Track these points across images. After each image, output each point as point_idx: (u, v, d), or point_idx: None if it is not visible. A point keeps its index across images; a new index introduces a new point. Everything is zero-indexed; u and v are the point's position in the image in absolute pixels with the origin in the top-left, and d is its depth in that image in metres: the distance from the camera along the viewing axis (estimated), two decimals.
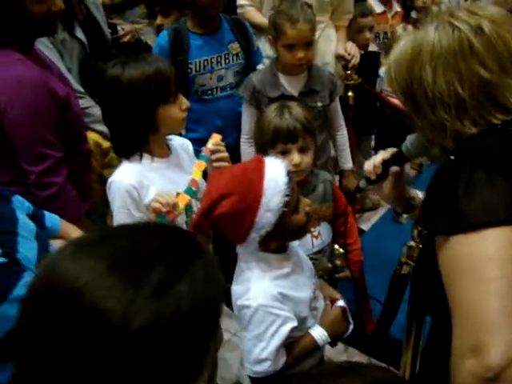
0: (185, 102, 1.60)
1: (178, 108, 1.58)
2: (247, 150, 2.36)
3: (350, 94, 2.81)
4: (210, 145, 1.63)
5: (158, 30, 2.63)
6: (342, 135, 2.49)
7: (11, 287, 1.10)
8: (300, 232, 1.42)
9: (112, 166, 2.17)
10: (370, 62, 3.09)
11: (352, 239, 1.95)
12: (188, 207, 1.68)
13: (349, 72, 2.79)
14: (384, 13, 3.53)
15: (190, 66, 2.29)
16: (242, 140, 2.38)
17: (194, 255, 0.74)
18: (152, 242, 0.74)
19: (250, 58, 2.44)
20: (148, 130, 1.57)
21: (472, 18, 1.07)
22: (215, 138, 1.65)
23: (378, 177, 1.43)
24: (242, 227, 1.31)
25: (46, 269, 0.71)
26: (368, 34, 3.12)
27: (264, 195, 1.28)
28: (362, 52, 2.94)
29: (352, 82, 2.81)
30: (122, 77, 1.51)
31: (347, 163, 2.53)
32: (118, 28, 2.56)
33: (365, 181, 1.48)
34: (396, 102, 3.35)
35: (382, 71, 3.30)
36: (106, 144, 2.16)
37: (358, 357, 2.35)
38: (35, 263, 1.22)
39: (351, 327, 1.53)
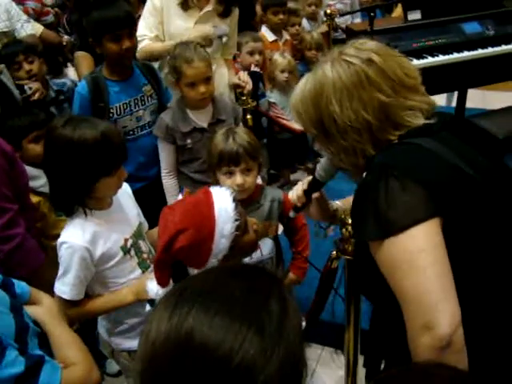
0: (124, 173, 1.68)
1: (117, 178, 1.66)
2: (168, 182, 2.59)
3: (248, 116, 3.11)
4: None
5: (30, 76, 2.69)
6: None
7: None
8: (252, 249, 1.55)
9: (43, 220, 2.26)
10: (252, 80, 3.37)
11: (299, 248, 2.22)
12: (137, 235, 1.81)
13: (244, 98, 3.09)
14: (276, 41, 4.07)
15: (112, 110, 2.44)
16: (162, 174, 2.58)
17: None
18: (253, 286, 0.77)
19: (161, 97, 2.63)
20: (86, 194, 1.63)
21: (360, 52, 1.23)
22: None
23: (303, 204, 1.64)
24: (201, 256, 1.39)
25: (172, 337, 0.70)
26: (257, 57, 3.60)
27: (217, 224, 1.36)
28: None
29: (249, 105, 3.11)
30: (72, 139, 1.54)
31: None
32: (25, 87, 2.60)
33: (293, 210, 1.69)
34: (284, 121, 3.77)
35: (268, 94, 3.77)
36: (36, 199, 2.21)
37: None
38: (14, 337, 1.19)
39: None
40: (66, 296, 1.67)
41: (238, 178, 2.01)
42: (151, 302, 1.78)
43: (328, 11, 4.64)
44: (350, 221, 1.74)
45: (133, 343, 1.87)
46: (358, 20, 5.09)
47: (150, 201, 2.15)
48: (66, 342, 1.36)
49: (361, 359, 2.04)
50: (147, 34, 2.75)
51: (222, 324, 0.69)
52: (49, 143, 1.64)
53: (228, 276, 0.79)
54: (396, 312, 1.17)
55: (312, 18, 4.83)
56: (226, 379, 0.67)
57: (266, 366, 0.68)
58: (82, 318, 1.79)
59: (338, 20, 4.89)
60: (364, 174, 1.24)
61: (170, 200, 2.56)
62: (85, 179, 1.58)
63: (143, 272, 1.81)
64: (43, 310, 1.41)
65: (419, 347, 1.05)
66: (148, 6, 2.83)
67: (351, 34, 3.96)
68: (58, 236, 2.22)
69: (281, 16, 4.04)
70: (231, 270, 0.85)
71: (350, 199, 1.71)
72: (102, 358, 2.40)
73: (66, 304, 1.68)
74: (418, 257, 1.07)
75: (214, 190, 1.45)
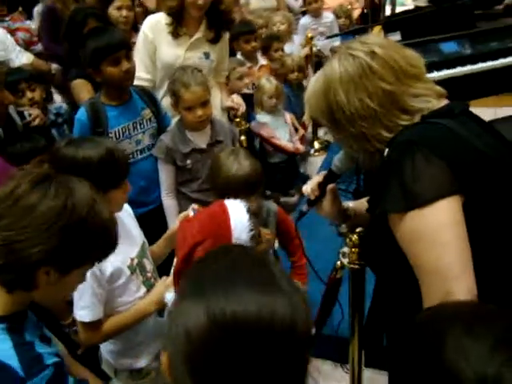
0: (128, 186, 1.74)
1: (123, 192, 1.72)
2: (169, 202, 2.63)
3: (242, 138, 3.16)
4: None
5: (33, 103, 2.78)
6: None
7: None
8: None
9: None
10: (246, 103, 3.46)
11: (295, 258, 2.31)
12: (142, 254, 1.85)
13: (238, 119, 3.16)
14: (250, 67, 4.10)
15: (110, 135, 2.47)
16: (162, 195, 2.62)
17: None
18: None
19: (161, 121, 2.67)
20: None
21: (364, 46, 1.32)
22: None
23: (316, 198, 1.67)
24: None
25: (219, 326, 0.74)
26: (247, 80, 3.73)
27: (233, 234, 1.42)
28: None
29: (242, 127, 3.17)
30: (77, 157, 1.61)
31: None
32: (25, 113, 2.65)
33: (306, 204, 1.72)
34: (277, 141, 3.84)
35: (258, 116, 3.83)
36: None
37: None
38: None
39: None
40: (87, 318, 1.69)
41: (253, 202, 2.00)
42: (160, 312, 1.85)
43: (309, 35, 4.80)
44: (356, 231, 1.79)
45: (135, 362, 1.89)
46: (337, 43, 5.25)
47: (153, 227, 2.19)
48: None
49: (365, 372, 2.09)
50: (142, 75, 2.82)
51: (254, 299, 0.76)
52: (54, 165, 1.66)
53: (230, 259, 0.87)
54: (403, 286, 1.23)
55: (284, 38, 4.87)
56: (275, 342, 0.74)
57: (298, 317, 0.77)
58: (109, 338, 1.80)
59: (319, 43, 5.05)
60: (386, 152, 1.30)
61: (171, 220, 2.58)
62: None
63: (148, 291, 1.85)
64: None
65: None
66: (140, 38, 2.92)
67: None
68: None
69: (253, 43, 4.17)
70: (223, 253, 0.91)
71: (361, 200, 1.78)
72: (107, 378, 2.40)
73: (90, 327, 1.70)
74: (441, 230, 1.13)
75: (229, 203, 1.51)
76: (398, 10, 6.40)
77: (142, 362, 1.90)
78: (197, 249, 1.40)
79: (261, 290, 0.78)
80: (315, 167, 4.83)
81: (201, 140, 2.58)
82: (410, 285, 1.21)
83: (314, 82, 1.41)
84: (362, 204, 1.76)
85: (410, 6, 6.77)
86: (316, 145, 5.20)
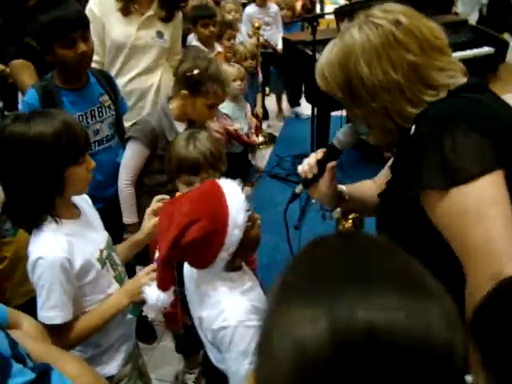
0: (92, 163, 1.57)
1: (86, 169, 1.55)
2: (130, 191, 2.35)
3: None
4: None
5: None
6: None
7: (6, 378, 1.01)
8: (257, 245, 1.48)
9: None
10: None
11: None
12: (109, 246, 1.70)
13: None
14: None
15: None
16: (125, 182, 2.33)
17: None
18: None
19: (118, 108, 2.41)
20: (55, 192, 1.48)
21: (387, 14, 1.23)
22: None
23: (314, 176, 1.51)
24: (211, 249, 1.32)
25: (348, 337, 0.53)
26: None
27: (230, 213, 1.32)
28: None
29: None
30: (28, 134, 1.41)
31: None
32: None
33: (301, 185, 1.55)
34: (245, 138, 3.65)
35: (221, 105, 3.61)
36: None
37: None
38: (10, 353, 1.11)
39: None
40: (58, 320, 1.48)
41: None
42: (135, 310, 1.67)
43: (256, 24, 4.68)
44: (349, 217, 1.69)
45: (105, 369, 1.69)
46: (280, 34, 5.18)
47: (107, 224, 1.97)
48: (62, 358, 1.24)
49: None
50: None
51: (400, 303, 0.54)
52: (0, 145, 1.46)
53: (353, 247, 0.64)
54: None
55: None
56: (427, 369, 0.53)
57: (456, 334, 0.56)
58: (80, 342, 1.60)
59: (265, 33, 4.95)
60: (413, 129, 1.22)
61: (127, 211, 2.35)
62: (50, 173, 1.45)
63: (120, 286, 1.68)
64: (23, 336, 1.27)
65: None
66: (87, 15, 2.65)
67: (289, 44, 3.98)
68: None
69: (211, 28, 4.00)
70: (342, 240, 0.68)
71: (354, 185, 1.70)
72: None
73: (60, 331, 1.50)
74: (488, 205, 1.07)
75: (223, 182, 1.42)
76: (330, 8, 6.54)
77: (112, 368, 1.71)
78: (190, 229, 1.28)
79: (405, 292, 0.55)
80: (262, 160, 4.73)
81: (182, 130, 2.36)
82: (441, 269, 1.13)
83: (327, 52, 1.29)
84: (353, 188, 1.68)
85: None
86: (260, 138, 5.08)
